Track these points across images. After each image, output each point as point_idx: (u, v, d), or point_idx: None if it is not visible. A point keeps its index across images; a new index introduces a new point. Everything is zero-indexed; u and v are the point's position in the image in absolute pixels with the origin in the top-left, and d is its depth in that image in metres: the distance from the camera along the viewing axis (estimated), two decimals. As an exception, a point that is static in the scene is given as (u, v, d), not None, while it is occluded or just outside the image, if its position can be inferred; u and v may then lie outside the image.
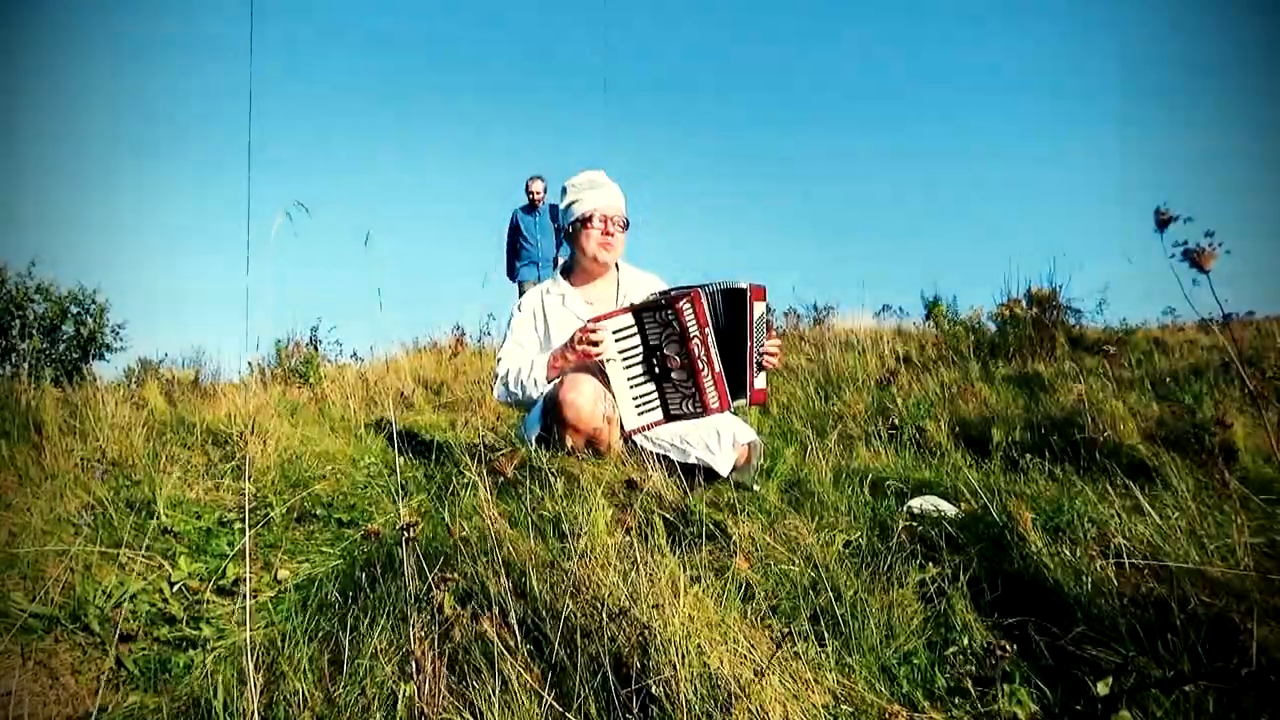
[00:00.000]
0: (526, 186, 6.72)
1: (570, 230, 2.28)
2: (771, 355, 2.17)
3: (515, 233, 6.76)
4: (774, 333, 2.22)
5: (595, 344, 2.00)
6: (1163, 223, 0.94)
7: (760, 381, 2.16)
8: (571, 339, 2.07)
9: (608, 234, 2.22)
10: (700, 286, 2.04)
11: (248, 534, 1.19)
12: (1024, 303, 4.54)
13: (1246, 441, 2.04)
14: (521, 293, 6.47)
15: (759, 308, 2.10)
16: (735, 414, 2.17)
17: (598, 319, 2.03)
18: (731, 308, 2.07)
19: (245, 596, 1.32)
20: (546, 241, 6.66)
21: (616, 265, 2.37)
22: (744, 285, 2.06)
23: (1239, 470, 1.91)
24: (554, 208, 6.29)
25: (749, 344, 2.07)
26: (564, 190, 2.30)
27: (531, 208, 6.72)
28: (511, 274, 6.91)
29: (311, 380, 4.48)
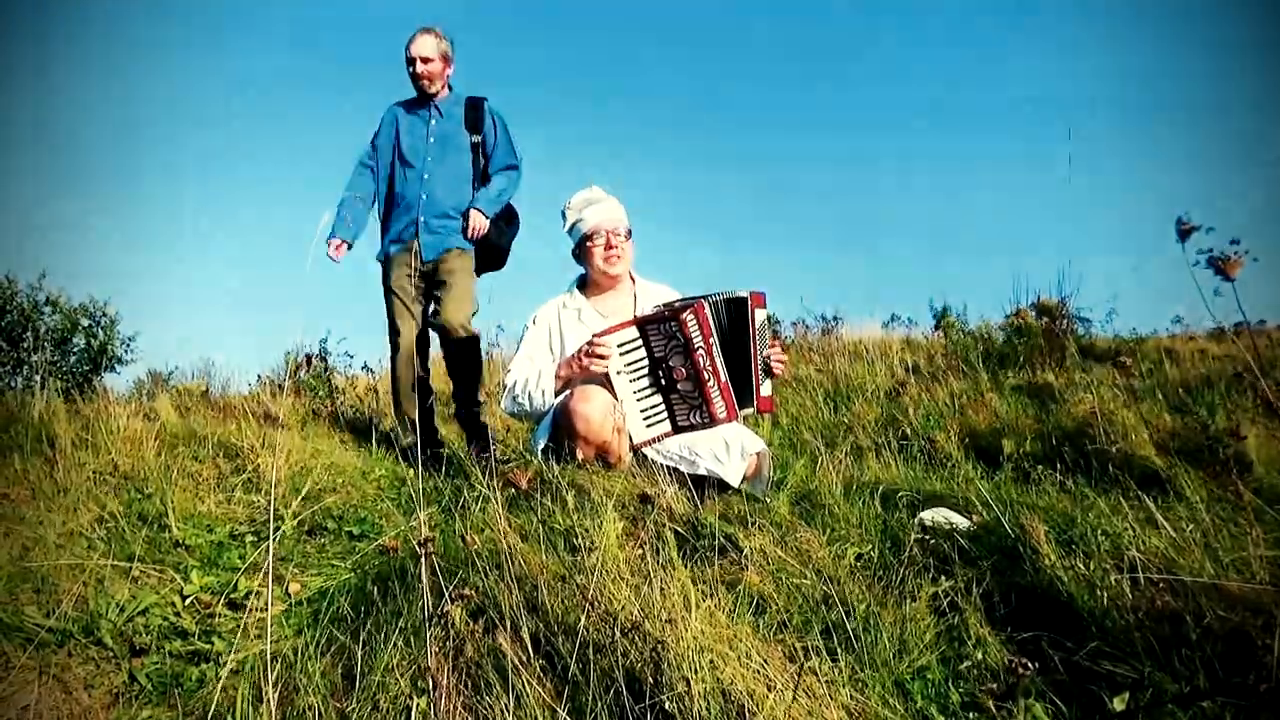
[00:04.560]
0: (406, 54, 2.96)
1: (577, 250, 2.37)
2: (779, 361, 2.18)
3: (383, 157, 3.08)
4: (778, 341, 2.24)
5: (601, 358, 2.02)
6: (1184, 233, 0.94)
7: (767, 389, 2.17)
8: (578, 351, 2.09)
9: (611, 247, 2.28)
10: (703, 297, 2.06)
11: (269, 546, 1.20)
12: (1033, 312, 4.52)
13: (1260, 453, 2.03)
14: (386, 271, 3.05)
15: (760, 315, 2.11)
16: (745, 423, 2.18)
17: (603, 333, 2.04)
18: (734, 317, 2.09)
19: (267, 607, 1.32)
20: (451, 168, 3.01)
21: (633, 278, 2.40)
22: (744, 293, 2.09)
23: (1253, 482, 1.90)
24: (474, 101, 3.05)
25: (753, 352, 2.09)
26: (563, 214, 2.40)
27: (422, 100, 3.04)
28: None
29: (321, 393, 4.49)
